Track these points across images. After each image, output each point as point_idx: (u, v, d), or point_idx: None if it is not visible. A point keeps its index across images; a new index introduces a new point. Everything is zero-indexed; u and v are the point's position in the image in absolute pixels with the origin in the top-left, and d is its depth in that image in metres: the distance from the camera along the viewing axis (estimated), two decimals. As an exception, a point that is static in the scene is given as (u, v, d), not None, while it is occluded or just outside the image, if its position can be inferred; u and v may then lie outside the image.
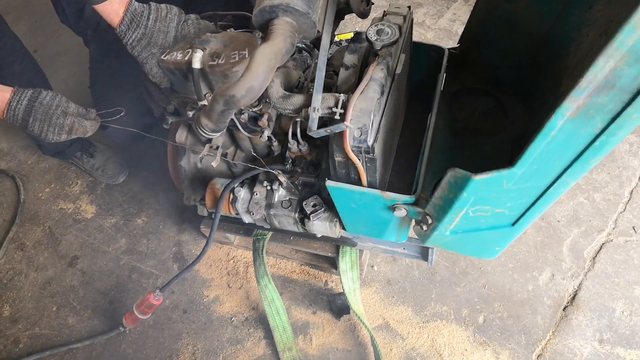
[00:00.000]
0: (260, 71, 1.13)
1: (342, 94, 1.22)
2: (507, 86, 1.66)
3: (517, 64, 1.58)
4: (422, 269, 1.92)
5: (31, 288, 2.06)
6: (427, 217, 1.27)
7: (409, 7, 1.46)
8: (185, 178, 1.74)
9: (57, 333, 1.95)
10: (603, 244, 1.91)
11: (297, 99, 1.26)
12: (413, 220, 1.39)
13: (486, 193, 1.10)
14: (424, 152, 1.38)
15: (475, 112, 1.60)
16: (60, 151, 2.22)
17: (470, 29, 1.58)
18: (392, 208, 1.33)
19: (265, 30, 1.22)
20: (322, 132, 1.20)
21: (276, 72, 1.32)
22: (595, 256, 1.89)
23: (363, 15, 1.36)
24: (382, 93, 1.26)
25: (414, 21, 2.73)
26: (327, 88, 1.38)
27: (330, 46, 1.64)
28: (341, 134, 1.20)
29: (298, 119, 1.29)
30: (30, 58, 1.96)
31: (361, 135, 1.19)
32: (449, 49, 1.60)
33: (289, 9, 1.16)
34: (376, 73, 1.24)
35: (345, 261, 1.78)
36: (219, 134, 1.32)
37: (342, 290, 1.78)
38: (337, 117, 1.21)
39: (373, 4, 1.48)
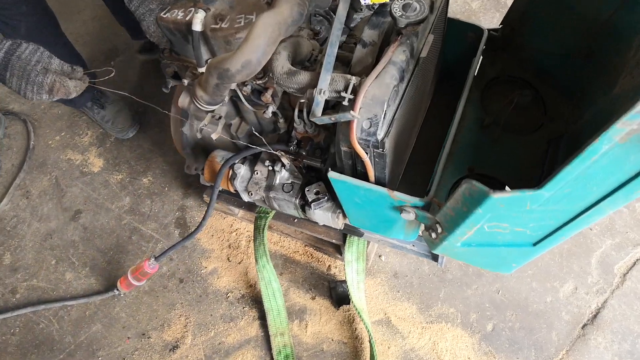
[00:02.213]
0: (260, 44, 0.99)
1: (354, 77, 1.06)
2: (551, 77, 1.46)
3: (568, 53, 1.38)
4: (433, 265, 1.79)
5: (33, 238, 2.03)
6: (437, 225, 1.13)
7: (447, -22, 1.26)
8: (187, 145, 1.63)
9: (53, 287, 1.92)
10: (638, 259, 1.73)
11: (303, 77, 1.11)
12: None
13: (506, 212, 0.94)
14: (443, 150, 1.22)
15: (510, 104, 1.41)
16: (71, 99, 2.14)
17: (517, 8, 1.37)
18: (400, 209, 1.19)
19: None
20: (326, 119, 1.05)
21: (284, 42, 1.17)
22: (627, 273, 1.71)
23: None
24: (402, 79, 1.09)
25: (460, -12, 2.47)
26: (345, 63, 1.22)
27: (354, 13, 1.46)
28: (348, 123, 1.05)
29: (302, 100, 1.14)
30: (42, 0, 1.84)
31: (370, 127, 1.04)
32: (489, 30, 1.39)
33: (300, -27, 0.99)
34: (397, 55, 1.07)
35: (352, 251, 1.66)
36: (215, 106, 1.20)
37: (345, 279, 1.67)
38: (345, 102, 1.06)
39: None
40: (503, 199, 0.88)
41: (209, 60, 1.18)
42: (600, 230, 1.79)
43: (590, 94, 1.35)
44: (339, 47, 1.40)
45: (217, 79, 1.04)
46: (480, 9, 2.44)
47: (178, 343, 1.76)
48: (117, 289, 1.77)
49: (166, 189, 2.10)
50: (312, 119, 1.06)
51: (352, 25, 1.47)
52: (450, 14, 1.44)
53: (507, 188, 1.35)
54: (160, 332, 1.79)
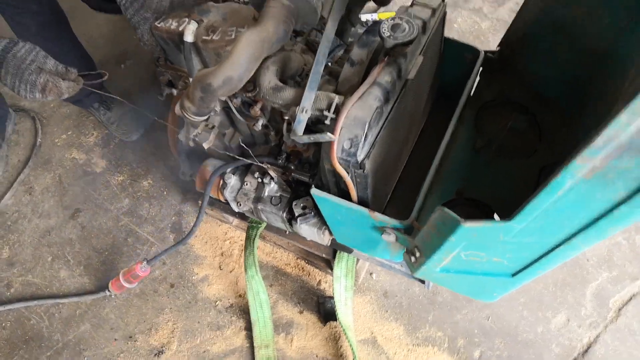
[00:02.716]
0: (242, 61, 0.99)
1: (337, 96, 1.05)
2: (549, 102, 1.43)
3: (567, 79, 1.35)
4: (424, 287, 1.76)
5: (32, 234, 2.07)
6: (416, 249, 1.11)
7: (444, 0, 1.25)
8: (182, 151, 1.64)
9: (47, 284, 1.95)
10: (634, 294, 1.68)
11: (288, 94, 1.11)
12: (406, 245, 1.23)
13: (480, 241, 0.92)
14: (429, 173, 1.20)
15: (504, 127, 1.38)
16: (78, 99, 2.18)
17: (516, 31, 1.35)
18: (381, 230, 1.18)
19: (260, 9, 1.06)
20: (305, 138, 1.04)
21: (274, 57, 1.17)
22: (622, 307, 1.66)
23: (381, 2, 1.17)
24: (387, 100, 1.08)
25: (472, 7, 2.46)
26: (336, 77, 1.21)
27: (351, 27, 1.46)
28: (329, 142, 1.05)
29: (286, 117, 1.14)
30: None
31: (351, 147, 1.03)
32: (485, 52, 1.38)
33: (286, -10, 0.99)
34: (382, 76, 1.06)
35: (341, 267, 1.65)
36: (202, 117, 1.20)
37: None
38: (327, 122, 1.05)
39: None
40: (474, 228, 0.86)
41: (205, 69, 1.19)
42: (597, 262, 1.74)
43: (587, 121, 1.32)
44: (335, 62, 1.41)
45: (200, 92, 1.05)
46: (489, 29, 2.42)
47: (164, 348, 1.76)
48: (109, 290, 1.78)
49: (165, 193, 2.11)
50: (292, 137, 1.05)
51: (350, 40, 1.48)
52: (459, 33, 1.43)
53: (495, 215, 1.33)
54: (147, 336, 1.79)
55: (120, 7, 1.24)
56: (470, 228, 0.86)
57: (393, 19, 1.09)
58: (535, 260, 0.97)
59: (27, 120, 2.40)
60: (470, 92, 1.40)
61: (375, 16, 2.06)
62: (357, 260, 1.68)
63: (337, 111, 1.04)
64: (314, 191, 1.18)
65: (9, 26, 1.79)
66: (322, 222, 1.38)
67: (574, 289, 1.70)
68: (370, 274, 1.82)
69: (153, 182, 2.15)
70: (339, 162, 1.06)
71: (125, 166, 2.21)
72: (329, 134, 0.98)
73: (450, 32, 2.47)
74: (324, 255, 1.70)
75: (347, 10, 1.39)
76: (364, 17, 2.28)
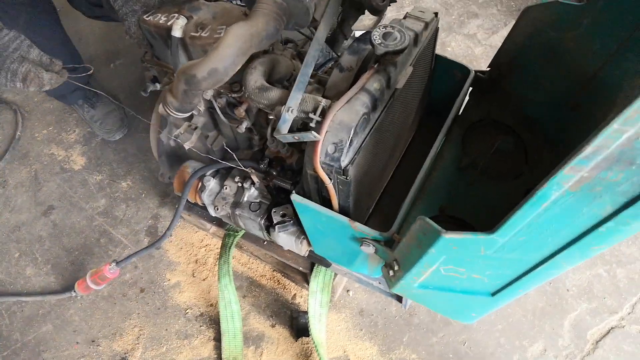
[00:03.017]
0: (228, 53, 0.96)
1: (324, 99, 1.03)
2: (537, 125, 1.43)
3: (555, 103, 1.35)
4: (401, 307, 1.72)
5: (1, 228, 1.99)
6: (395, 262, 1.08)
7: (436, 13, 1.25)
8: (162, 153, 1.60)
9: (12, 281, 1.86)
10: (612, 328, 1.65)
11: (274, 94, 1.08)
12: (384, 259, 1.20)
13: (460, 254, 0.90)
14: (413, 187, 1.18)
15: (490, 148, 1.38)
16: (63, 95, 2.13)
17: (506, 53, 1.35)
18: (361, 241, 1.14)
19: (252, 6, 1.05)
20: (290, 137, 1.01)
21: (262, 58, 1.15)
22: (600, 340, 1.63)
23: (375, 11, 1.17)
24: (375, 108, 1.06)
25: (466, 32, 2.49)
26: (324, 85, 1.19)
27: (343, 39, 1.45)
28: (313, 145, 1.02)
29: (271, 117, 1.11)
30: None
31: (335, 152, 1.01)
32: (475, 72, 1.37)
33: (279, -13, 0.98)
34: (371, 83, 1.05)
35: (317, 282, 1.60)
36: (185, 114, 1.17)
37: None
38: (312, 124, 1.02)
39: (395, 1, 1.27)
40: (455, 240, 0.83)
41: (183, 66, 1.16)
42: (577, 292, 1.72)
43: (574, 146, 1.31)
44: (324, 72, 1.39)
45: (184, 84, 1.02)
46: (482, 55, 2.45)
47: (127, 355, 1.69)
48: (75, 291, 1.70)
49: (143, 195, 2.06)
50: (275, 136, 1.02)
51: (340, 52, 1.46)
52: (452, 57, 1.43)
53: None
54: (111, 341, 1.72)
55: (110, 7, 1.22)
56: (451, 239, 0.83)
57: (385, 27, 1.08)
58: (517, 279, 0.94)
59: (8, 113, 2.35)
60: (459, 110, 1.40)
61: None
62: (335, 275, 1.64)
63: (323, 114, 1.01)
64: (294, 197, 1.14)
65: None
66: (301, 232, 1.34)
67: (552, 319, 1.68)
68: (347, 291, 1.78)
69: (132, 184, 2.09)
70: (321, 167, 1.03)
71: (105, 166, 2.15)
72: (313, 132, 0.95)
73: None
74: (301, 269, 1.65)
75: (340, 20, 1.39)
76: (358, 33, 2.29)
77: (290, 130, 1.05)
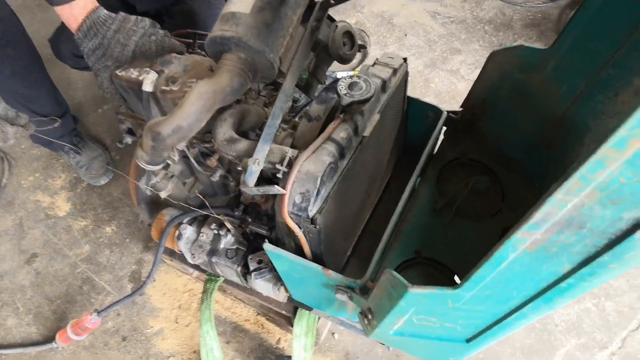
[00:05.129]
0: (192, 111, 0.97)
1: (290, 150, 1.04)
2: (512, 164, 1.43)
3: (530, 142, 1.36)
4: (387, 349, 1.69)
5: (-17, 278, 1.97)
6: (369, 311, 1.06)
7: (405, 59, 1.27)
8: (142, 200, 1.60)
9: (-7, 333, 1.84)
10: (603, 364, 1.63)
11: (242, 145, 1.09)
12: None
13: (429, 306, 0.88)
14: (386, 232, 1.17)
15: (465, 188, 1.38)
16: (49, 142, 2.14)
17: (477, 94, 1.37)
18: (335, 289, 1.13)
19: (218, 61, 1.06)
20: (255, 190, 1.02)
21: (232, 109, 1.16)
22: (591, 377, 1.60)
23: (343, 60, 1.18)
24: (343, 156, 1.07)
25: (449, 68, 2.52)
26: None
27: (317, 84, 1.46)
28: (281, 196, 1.02)
29: (239, 168, 1.11)
30: (29, 44, 1.87)
31: (302, 202, 1.01)
32: (448, 112, 1.39)
33: (242, 44, 1.00)
34: (337, 132, 1.06)
35: (301, 325, 1.58)
36: (156, 167, 1.17)
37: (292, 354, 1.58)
38: (279, 175, 1.03)
39: (365, 48, 1.29)
40: (422, 294, 0.83)
41: (152, 120, 1.17)
42: (566, 328, 1.69)
43: (549, 183, 1.31)
44: (299, 118, 1.40)
45: (151, 140, 1.02)
46: (465, 90, 2.45)
47: (109, 408, 1.65)
48: (56, 342, 1.68)
49: (127, 240, 2.05)
50: (242, 188, 1.02)
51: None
52: (436, 93, 1.44)
53: (456, 277, 1.30)
54: (93, 393, 1.68)
55: (83, 55, 1.24)
56: (418, 294, 0.82)
57: (352, 77, 1.09)
58: (488, 328, 0.93)
59: (-6, 160, 2.35)
60: (433, 150, 1.41)
61: (351, 74, 2.10)
62: (319, 318, 1.62)
63: (290, 165, 1.02)
64: (267, 246, 1.14)
65: None
66: (278, 278, 1.33)
67: (541, 355, 1.64)
68: (332, 333, 1.75)
69: (116, 229, 2.08)
70: (290, 217, 1.03)
71: (90, 211, 2.15)
72: (277, 186, 0.96)
73: (427, 92, 2.52)
74: (284, 312, 1.63)
75: (314, 66, 1.41)
76: (340, 74, 2.32)
77: (260, 179, 1.05)
